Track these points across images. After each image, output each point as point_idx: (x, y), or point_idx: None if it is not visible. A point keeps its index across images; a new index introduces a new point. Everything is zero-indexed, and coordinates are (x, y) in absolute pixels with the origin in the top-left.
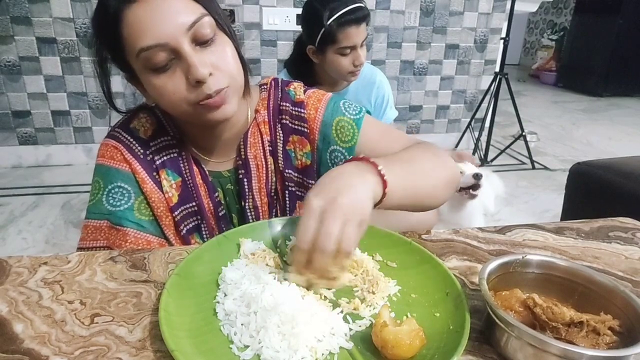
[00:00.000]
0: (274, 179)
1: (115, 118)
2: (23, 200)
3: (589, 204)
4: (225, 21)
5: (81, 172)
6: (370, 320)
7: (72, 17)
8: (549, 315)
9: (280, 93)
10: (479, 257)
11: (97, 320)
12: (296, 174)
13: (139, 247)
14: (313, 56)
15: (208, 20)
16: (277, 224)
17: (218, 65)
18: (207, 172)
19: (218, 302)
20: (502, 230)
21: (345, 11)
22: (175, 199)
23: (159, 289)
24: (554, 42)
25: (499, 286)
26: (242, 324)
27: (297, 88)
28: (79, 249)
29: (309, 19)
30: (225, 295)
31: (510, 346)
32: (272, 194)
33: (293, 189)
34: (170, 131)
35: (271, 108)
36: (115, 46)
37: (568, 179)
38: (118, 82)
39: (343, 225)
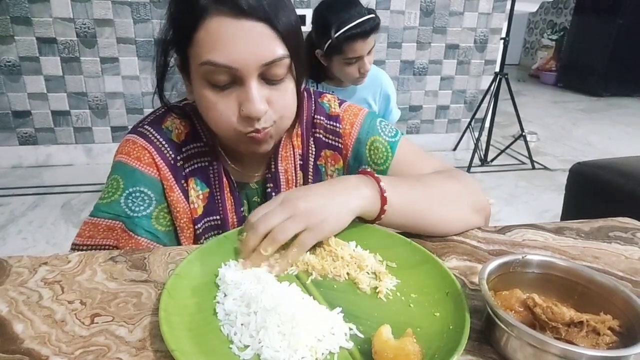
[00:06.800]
0: None
1: (115, 117)
2: (23, 200)
3: (589, 204)
4: (300, 66)
5: (81, 172)
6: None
7: (72, 17)
8: (548, 315)
9: (313, 105)
10: (479, 257)
11: (97, 320)
12: None
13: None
14: (321, 59)
15: (286, 62)
16: None
17: (273, 104)
18: (235, 184)
19: (218, 302)
20: (502, 230)
21: (353, 25)
22: (200, 211)
23: (159, 289)
24: (554, 42)
25: (499, 286)
26: (242, 324)
27: (331, 100)
28: (86, 245)
29: (318, 26)
30: (225, 295)
31: (510, 346)
32: None
33: None
34: (203, 137)
35: (304, 121)
36: (185, 36)
37: (568, 179)
38: (118, 82)
39: (286, 219)
